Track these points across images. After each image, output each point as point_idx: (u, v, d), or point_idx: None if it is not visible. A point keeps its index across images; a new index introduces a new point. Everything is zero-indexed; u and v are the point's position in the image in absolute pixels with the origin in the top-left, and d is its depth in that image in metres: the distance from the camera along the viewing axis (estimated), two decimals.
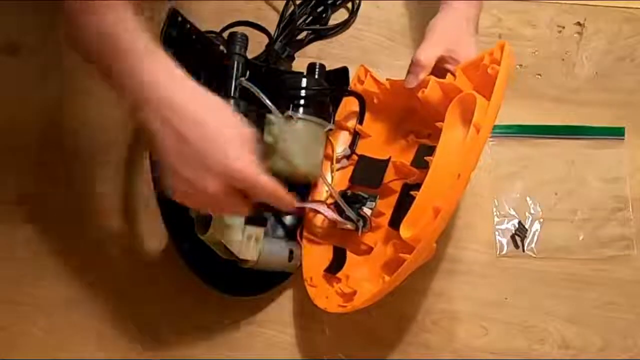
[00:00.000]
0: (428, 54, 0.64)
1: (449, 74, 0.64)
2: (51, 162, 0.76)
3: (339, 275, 0.68)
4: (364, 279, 0.64)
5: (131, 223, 0.74)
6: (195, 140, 0.50)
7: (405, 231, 0.59)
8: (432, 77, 0.64)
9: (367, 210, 0.68)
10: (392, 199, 0.68)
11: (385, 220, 0.68)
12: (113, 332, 0.72)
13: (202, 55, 0.68)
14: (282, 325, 0.72)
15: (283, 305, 0.73)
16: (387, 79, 0.72)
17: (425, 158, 0.62)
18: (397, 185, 0.69)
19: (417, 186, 0.60)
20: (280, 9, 0.81)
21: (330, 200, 0.71)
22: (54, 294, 0.72)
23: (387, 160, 0.70)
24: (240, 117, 0.53)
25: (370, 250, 0.69)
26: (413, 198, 0.60)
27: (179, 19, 0.66)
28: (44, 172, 0.76)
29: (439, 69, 0.65)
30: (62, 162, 0.76)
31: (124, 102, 0.51)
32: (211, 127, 0.51)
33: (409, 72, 0.65)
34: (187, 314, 0.72)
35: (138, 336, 0.72)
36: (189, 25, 0.67)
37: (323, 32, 0.82)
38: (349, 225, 0.68)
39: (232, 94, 0.64)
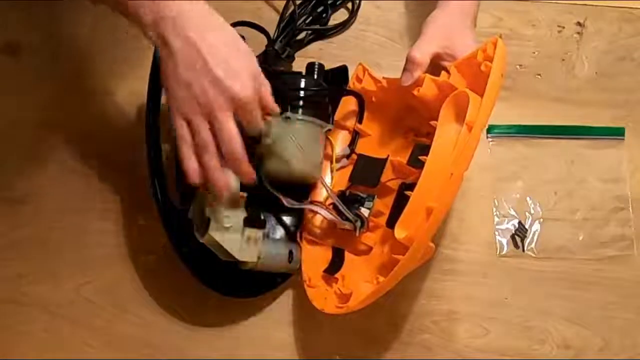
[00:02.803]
0: (423, 51, 0.64)
1: (443, 72, 0.64)
2: (51, 162, 0.76)
3: (337, 275, 0.68)
4: (362, 279, 0.64)
5: (131, 223, 0.74)
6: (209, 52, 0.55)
7: (399, 232, 0.59)
8: (427, 75, 0.64)
9: (365, 211, 0.68)
10: (391, 199, 0.68)
11: (383, 220, 0.68)
12: (113, 332, 0.72)
13: None
14: (282, 325, 0.72)
15: (283, 305, 0.73)
16: (384, 77, 0.71)
17: (419, 157, 0.62)
18: (395, 185, 0.69)
19: (413, 186, 0.60)
20: (280, 9, 0.81)
21: (329, 201, 0.71)
22: (54, 294, 0.72)
23: (385, 159, 0.70)
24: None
25: (369, 250, 0.69)
26: (408, 198, 0.60)
27: None
28: (44, 172, 0.76)
29: (437, 66, 0.65)
30: (62, 162, 0.76)
31: (141, 21, 0.55)
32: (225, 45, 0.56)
33: (404, 69, 0.65)
34: (187, 314, 0.72)
35: (138, 336, 0.72)
36: None
37: (323, 32, 0.82)
38: (348, 226, 0.68)
39: None
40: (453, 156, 0.56)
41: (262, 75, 0.59)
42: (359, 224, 0.68)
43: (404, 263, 0.55)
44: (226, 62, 0.55)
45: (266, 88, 0.59)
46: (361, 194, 0.69)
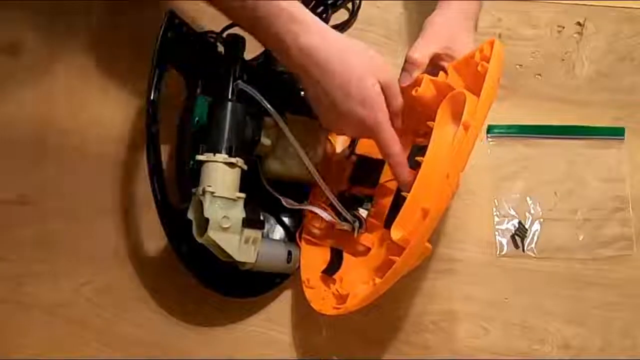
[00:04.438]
0: (422, 52, 0.64)
1: (441, 72, 0.63)
2: (51, 162, 0.76)
3: (335, 277, 0.68)
4: (360, 280, 0.64)
5: (131, 223, 0.74)
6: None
7: (395, 233, 0.59)
8: (426, 75, 0.64)
9: (363, 212, 0.68)
10: (389, 200, 0.68)
11: (382, 221, 0.68)
12: (113, 332, 0.72)
13: (200, 57, 0.68)
14: (281, 325, 0.72)
15: (282, 305, 0.73)
16: None
17: (416, 158, 0.62)
18: (394, 185, 0.69)
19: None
20: None
21: (328, 202, 0.71)
22: (54, 294, 0.73)
23: (384, 160, 0.70)
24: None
25: (367, 251, 0.68)
26: (405, 199, 0.60)
27: (177, 21, 0.65)
28: (44, 172, 0.76)
29: (436, 67, 0.65)
30: (62, 162, 0.76)
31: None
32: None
33: (402, 69, 0.65)
34: (187, 314, 0.72)
35: (138, 336, 0.72)
36: (186, 28, 0.67)
37: None
38: (346, 227, 0.68)
39: (229, 97, 0.64)
40: (449, 157, 0.56)
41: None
42: (357, 224, 0.68)
43: (400, 264, 0.54)
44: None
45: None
46: (360, 195, 0.69)
